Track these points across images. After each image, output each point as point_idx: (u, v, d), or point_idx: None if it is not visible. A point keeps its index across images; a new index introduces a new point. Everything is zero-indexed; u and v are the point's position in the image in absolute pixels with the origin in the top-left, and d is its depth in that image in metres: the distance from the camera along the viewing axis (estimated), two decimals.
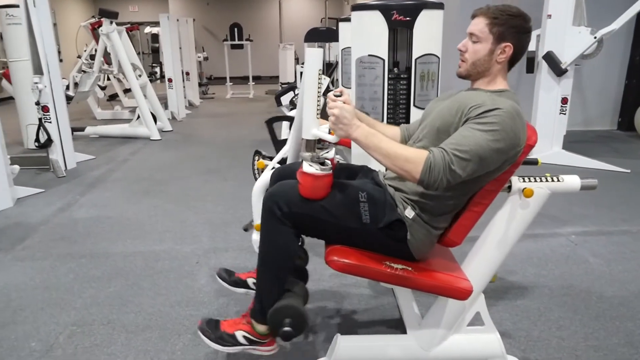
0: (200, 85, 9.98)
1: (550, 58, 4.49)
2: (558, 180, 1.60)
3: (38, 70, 4.24)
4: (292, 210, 1.44)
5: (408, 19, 2.04)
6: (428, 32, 2.11)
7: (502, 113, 1.36)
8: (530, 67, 4.82)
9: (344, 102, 1.40)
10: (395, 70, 2.14)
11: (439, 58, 2.18)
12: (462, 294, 1.52)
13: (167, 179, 4.31)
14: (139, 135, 6.09)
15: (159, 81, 9.30)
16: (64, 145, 4.60)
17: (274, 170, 1.83)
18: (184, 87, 8.21)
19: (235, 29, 10.33)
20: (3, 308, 2.22)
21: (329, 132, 1.50)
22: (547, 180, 1.59)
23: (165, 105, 7.30)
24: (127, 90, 8.46)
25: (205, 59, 10.71)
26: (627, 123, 6.28)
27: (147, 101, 6.24)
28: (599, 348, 1.92)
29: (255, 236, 1.93)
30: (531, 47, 4.94)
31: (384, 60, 2.11)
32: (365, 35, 2.14)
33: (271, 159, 2.17)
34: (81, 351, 1.90)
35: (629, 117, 6.24)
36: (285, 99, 6.16)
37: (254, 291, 1.80)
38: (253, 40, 10.80)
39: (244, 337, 1.61)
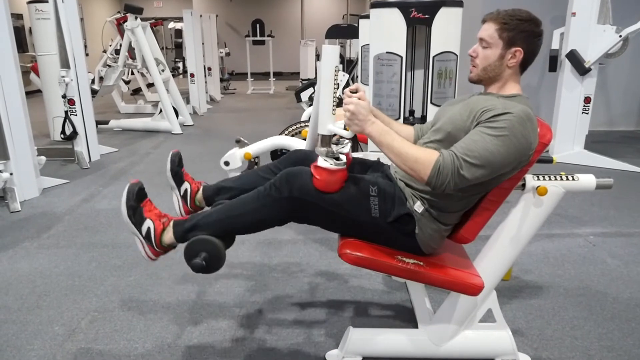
0: (221, 80, 10.09)
1: (573, 57, 4.42)
2: (573, 179, 1.59)
3: (65, 64, 4.36)
4: (303, 197, 1.46)
5: (427, 16, 2.05)
6: (446, 29, 2.12)
7: (512, 117, 1.37)
8: (553, 66, 4.75)
9: (359, 98, 1.42)
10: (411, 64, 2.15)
11: (457, 56, 2.19)
12: (474, 290, 1.53)
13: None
14: (160, 129, 6.21)
15: (181, 76, 9.43)
16: (88, 137, 4.72)
17: (295, 150, 1.85)
18: (205, 82, 8.32)
19: (258, 25, 10.40)
20: (29, 293, 2.31)
21: (344, 128, 1.53)
22: (561, 179, 1.59)
23: (187, 100, 7.42)
24: (150, 85, 8.61)
25: (227, 54, 10.82)
26: None
27: (170, 96, 6.35)
28: (612, 349, 1.91)
29: (233, 152, 1.95)
30: (554, 45, 4.88)
31: (401, 57, 2.12)
32: (384, 32, 2.15)
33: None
34: (102, 336, 1.98)
35: None
36: (305, 95, 6.21)
37: (177, 192, 1.84)
38: (274, 36, 10.85)
39: (148, 228, 1.58)
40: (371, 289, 2.34)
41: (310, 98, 5.17)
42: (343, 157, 1.49)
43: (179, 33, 14.84)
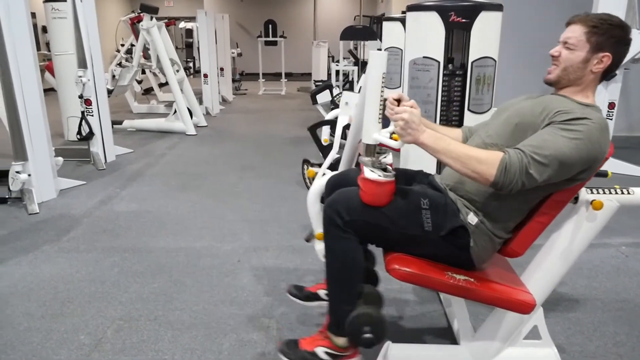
0: (233, 81, 10.05)
1: None
2: (628, 193, 1.52)
3: (82, 64, 4.32)
4: (352, 218, 1.42)
5: (466, 20, 1.98)
6: (486, 34, 2.05)
7: (591, 124, 1.31)
8: None
9: (412, 107, 1.36)
10: (450, 66, 2.08)
11: (495, 61, 2.12)
12: (525, 308, 1.46)
13: (203, 175, 4.35)
14: (175, 130, 6.17)
15: (192, 76, 9.40)
16: (104, 138, 4.69)
17: (328, 177, 1.80)
18: (218, 82, 8.27)
19: (270, 26, 10.35)
20: (51, 299, 2.26)
21: (390, 137, 1.47)
22: (616, 193, 1.52)
23: (200, 101, 7.37)
24: (162, 85, 8.59)
25: (240, 55, 10.78)
26: None
27: (184, 96, 6.31)
28: None
29: (319, 246, 1.90)
30: None
31: (439, 62, 2.05)
32: (421, 36, 2.09)
33: (320, 165, 2.14)
34: (129, 346, 1.92)
35: None
36: (321, 98, 6.13)
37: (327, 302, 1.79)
38: (287, 37, 10.80)
39: (326, 352, 1.58)
40: (403, 300, 2.28)
41: (333, 102, 5.00)
42: (390, 168, 1.43)
43: (189, 33, 14.84)
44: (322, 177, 1.88)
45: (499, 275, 1.56)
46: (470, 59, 2.07)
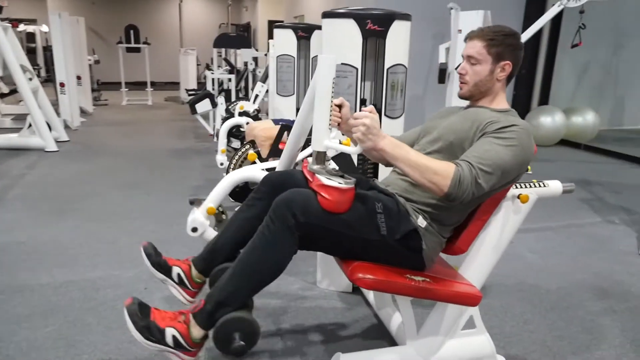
0: (93, 90, 9.14)
1: None
2: (543, 186, 1.70)
3: None
4: (309, 221, 1.35)
5: (382, 28, 2.05)
6: (398, 42, 2.14)
7: (520, 130, 1.42)
8: (442, 78, 5.15)
9: (370, 112, 1.35)
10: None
11: (406, 68, 2.22)
12: (475, 300, 1.54)
13: (80, 196, 3.85)
14: (30, 147, 5.38)
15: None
16: None
17: (265, 173, 1.68)
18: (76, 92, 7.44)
19: (132, 31, 9.63)
20: None
21: (340, 143, 1.44)
22: (535, 186, 1.68)
23: (57, 113, 6.55)
24: (4, 95, 7.47)
25: (97, 62, 9.85)
26: None
27: (40, 108, 5.54)
28: (563, 337, 2.08)
29: (195, 215, 1.74)
30: (442, 59, 5.31)
31: (357, 69, 2.09)
32: (339, 43, 2.10)
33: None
34: None
35: None
36: (201, 107, 5.89)
37: (172, 282, 1.64)
38: (150, 43, 10.16)
39: (173, 336, 1.42)
40: (331, 308, 2.26)
41: (227, 110, 4.79)
42: (346, 175, 1.40)
43: (31, 37, 13.17)
44: (254, 167, 1.77)
45: (443, 273, 1.62)
46: (386, 66, 2.13)
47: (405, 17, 2.13)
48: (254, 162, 1.94)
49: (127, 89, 9.97)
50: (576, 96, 7.42)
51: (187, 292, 1.68)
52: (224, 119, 4.03)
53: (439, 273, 1.61)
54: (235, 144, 3.81)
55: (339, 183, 1.33)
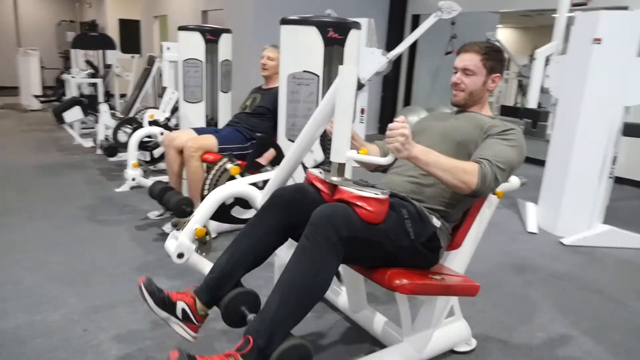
0: None
1: None
2: (507, 181, 1.91)
3: None
4: (353, 234, 1.33)
5: (342, 37, 2.09)
6: (354, 50, 2.20)
7: (518, 132, 1.60)
8: None
9: (402, 122, 1.37)
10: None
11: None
12: (475, 290, 1.67)
13: None
14: None
15: None
16: None
17: (278, 189, 1.56)
18: None
19: None
20: None
21: (352, 152, 1.45)
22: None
23: None
24: None
25: None
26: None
27: None
28: (509, 312, 2.37)
29: (181, 240, 1.62)
30: None
31: (318, 76, 2.10)
32: (300, 50, 2.08)
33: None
34: None
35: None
36: (70, 116, 5.25)
37: (176, 319, 1.50)
38: None
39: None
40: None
41: (155, 122, 4.15)
42: (376, 185, 1.41)
43: None
44: (240, 182, 1.66)
45: (437, 268, 1.72)
46: None
47: (358, 26, 2.20)
48: (233, 178, 1.81)
49: None
50: (432, 96, 8.33)
51: (191, 328, 1.51)
52: (134, 129, 3.59)
53: (442, 270, 1.71)
54: (144, 155, 3.47)
55: (376, 194, 1.34)
